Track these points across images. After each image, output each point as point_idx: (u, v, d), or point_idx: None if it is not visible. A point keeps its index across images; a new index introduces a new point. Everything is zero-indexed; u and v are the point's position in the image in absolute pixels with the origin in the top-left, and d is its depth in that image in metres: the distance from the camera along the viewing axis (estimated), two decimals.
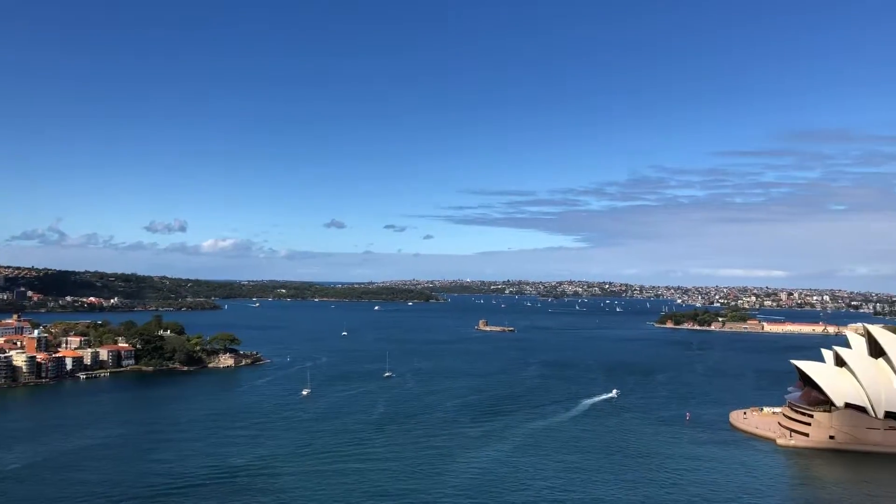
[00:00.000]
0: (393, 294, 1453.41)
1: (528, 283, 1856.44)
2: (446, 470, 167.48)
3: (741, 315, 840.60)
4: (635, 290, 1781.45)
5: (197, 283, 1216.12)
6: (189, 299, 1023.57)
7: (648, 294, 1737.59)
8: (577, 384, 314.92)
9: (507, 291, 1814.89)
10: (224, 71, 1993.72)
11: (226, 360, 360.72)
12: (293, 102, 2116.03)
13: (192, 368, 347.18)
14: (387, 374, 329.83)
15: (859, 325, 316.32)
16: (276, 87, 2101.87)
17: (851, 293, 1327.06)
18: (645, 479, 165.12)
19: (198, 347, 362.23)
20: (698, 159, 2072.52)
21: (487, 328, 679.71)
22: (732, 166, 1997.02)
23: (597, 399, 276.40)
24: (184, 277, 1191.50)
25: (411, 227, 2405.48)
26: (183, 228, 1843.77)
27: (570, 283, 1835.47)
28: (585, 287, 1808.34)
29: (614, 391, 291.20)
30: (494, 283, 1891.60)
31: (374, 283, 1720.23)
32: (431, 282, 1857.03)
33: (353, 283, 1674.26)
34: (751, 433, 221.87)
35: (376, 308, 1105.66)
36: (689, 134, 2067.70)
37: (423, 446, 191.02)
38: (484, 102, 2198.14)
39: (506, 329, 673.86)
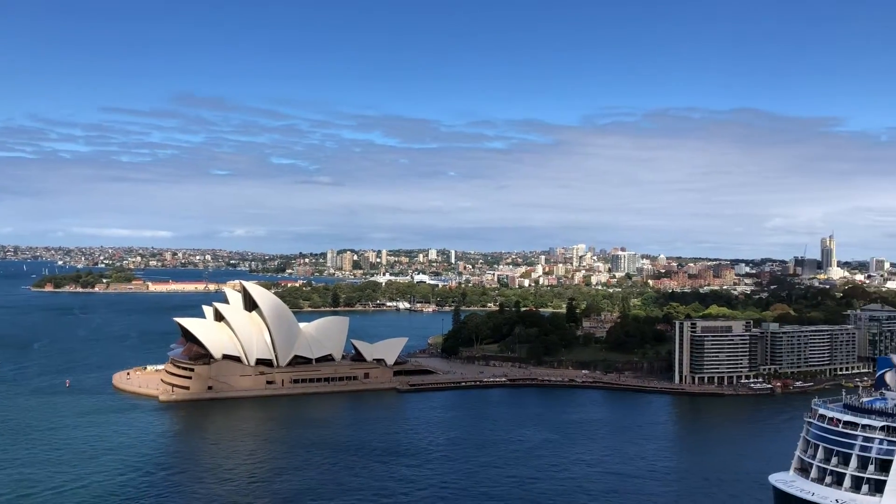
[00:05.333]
0: None
1: None
2: None
3: (127, 276, 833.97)
4: (9, 251, 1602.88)
5: None
6: None
7: (25, 255, 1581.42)
8: None
9: None
10: None
11: None
12: None
13: None
14: None
15: (237, 281, 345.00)
16: None
17: (231, 252, 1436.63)
18: (23, 456, 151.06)
19: None
20: (83, 113, 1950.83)
21: None
22: (119, 124, 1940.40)
23: None
24: None
25: None
26: None
27: None
28: None
29: None
30: None
31: None
32: None
33: None
34: (134, 392, 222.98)
35: None
36: (73, 85, 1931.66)
37: None
38: None
39: None
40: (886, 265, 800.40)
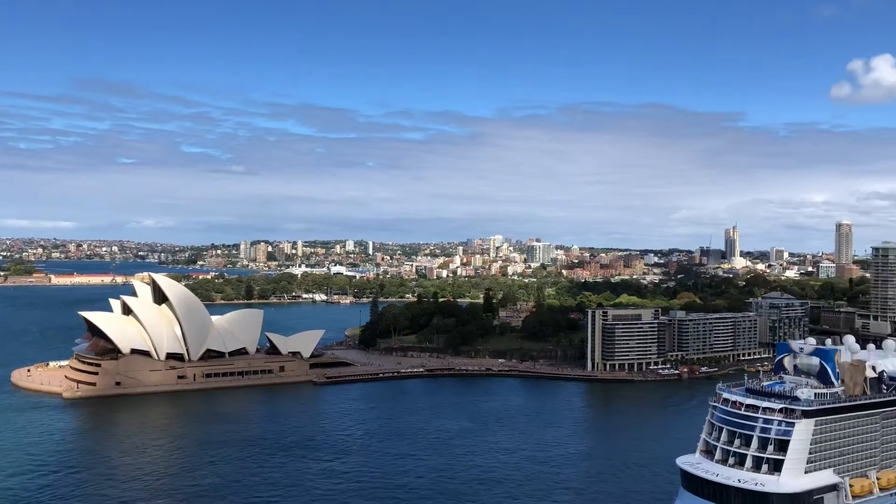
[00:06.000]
0: None
1: None
2: None
3: (27, 268, 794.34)
4: None
5: None
6: None
7: None
8: None
9: None
10: None
11: None
12: None
13: None
14: None
15: (146, 274, 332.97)
16: None
17: (139, 244, 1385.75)
18: None
19: None
20: None
21: None
22: (17, 108, 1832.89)
23: None
24: None
25: None
26: None
27: None
28: None
29: None
30: None
31: None
32: None
33: None
34: (36, 390, 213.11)
35: None
36: None
37: None
38: None
39: None
40: (785, 255, 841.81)
